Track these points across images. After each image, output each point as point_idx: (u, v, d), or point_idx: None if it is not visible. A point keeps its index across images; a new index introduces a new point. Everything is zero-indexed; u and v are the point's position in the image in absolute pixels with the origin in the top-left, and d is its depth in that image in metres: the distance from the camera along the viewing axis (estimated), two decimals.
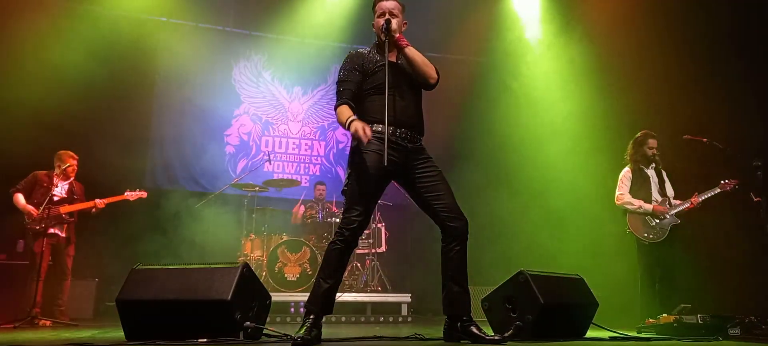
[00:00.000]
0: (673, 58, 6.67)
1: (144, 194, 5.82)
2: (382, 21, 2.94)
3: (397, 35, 2.91)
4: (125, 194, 5.72)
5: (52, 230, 5.31)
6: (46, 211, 5.22)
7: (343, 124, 2.84)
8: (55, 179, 5.48)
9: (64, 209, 5.42)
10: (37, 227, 5.23)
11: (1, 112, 6.23)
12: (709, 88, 6.25)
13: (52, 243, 5.33)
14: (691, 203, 4.64)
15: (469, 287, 2.90)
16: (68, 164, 5.50)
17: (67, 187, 5.55)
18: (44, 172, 5.46)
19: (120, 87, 7.21)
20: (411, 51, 2.91)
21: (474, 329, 2.80)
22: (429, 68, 2.93)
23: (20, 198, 5.32)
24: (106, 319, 5.93)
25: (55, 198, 5.42)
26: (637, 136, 4.99)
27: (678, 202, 4.76)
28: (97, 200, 5.53)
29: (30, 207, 5.28)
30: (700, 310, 3.95)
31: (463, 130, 7.99)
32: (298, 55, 8.52)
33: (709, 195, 4.64)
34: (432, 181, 2.89)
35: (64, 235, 5.42)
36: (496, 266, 6.04)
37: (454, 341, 2.79)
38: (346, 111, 2.86)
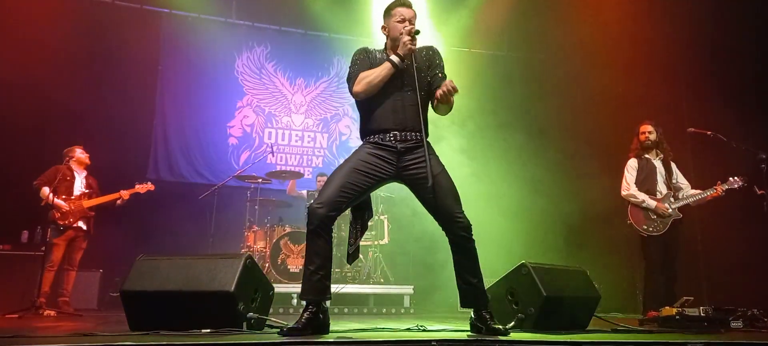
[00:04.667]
0: (678, 53, 6.66)
1: (151, 187, 5.92)
2: (400, 27, 2.88)
3: (451, 85, 2.75)
4: (136, 187, 5.80)
5: (75, 224, 5.40)
6: (75, 205, 5.37)
7: (383, 75, 2.80)
8: (75, 172, 5.55)
9: (88, 203, 5.50)
10: (67, 222, 5.30)
11: (3, 107, 6.25)
12: (714, 83, 6.24)
13: (71, 236, 5.41)
14: (717, 191, 4.58)
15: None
16: (80, 156, 5.58)
17: (85, 181, 5.62)
18: (64, 166, 5.47)
19: (122, 79, 7.22)
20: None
21: (478, 323, 2.81)
22: (450, 110, 2.93)
23: (47, 191, 5.33)
24: (111, 309, 5.97)
25: (77, 192, 5.52)
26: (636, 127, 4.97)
27: (697, 191, 4.69)
28: (123, 192, 5.64)
29: (60, 202, 5.32)
30: (702, 302, 3.95)
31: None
32: (301, 46, 8.51)
33: (726, 188, 4.59)
34: (427, 185, 2.78)
35: (84, 228, 5.50)
36: (499, 258, 6.06)
37: (477, 333, 2.78)
38: (368, 72, 2.84)
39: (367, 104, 2.92)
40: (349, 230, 3.00)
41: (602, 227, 6.43)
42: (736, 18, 6.08)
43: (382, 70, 2.83)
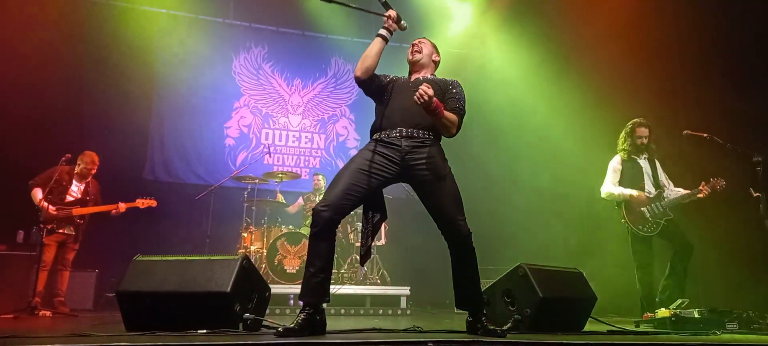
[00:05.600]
0: (675, 55, 6.68)
1: (153, 203, 5.78)
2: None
3: (436, 104, 2.75)
4: (136, 201, 5.69)
5: (61, 230, 5.35)
6: (62, 211, 5.30)
7: (372, 45, 2.95)
8: (74, 178, 5.50)
9: (77, 211, 5.42)
10: (49, 226, 5.26)
11: (0, 106, 6.23)
12: (710, 85, 6.26)
13: (61, 239, 5.37)
14: (702, 192, 4.58)
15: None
16: (89, 163, 5.52)
17: (82, 187, 5.57)
18: (66, 168, 5.43)
19: (119, 79, 7.21)
20: (446, 115, 2.83)
21: (474, 324, 2.83)
22: (450, 129, 2.89)
23: (38, 194, 5.29)
24: (106, 310, 5.95)
25: (70, 198, 5.45)
26: (627, 125, 4.89)
27: (681, 190, 4.68)
28: (120, 204, 5.54)
29: (46, 204, 5.28)
30: (698, 304, 3.96)
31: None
32: (298, 47, 8.52)
33: (709, 190, 4.60)
34: (430, 187, 2.82)
35: (72, 233, 5.44)
36: (496, 259, 6.07)
37: (474, 334, 2.79)
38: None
39: (379, 105, 2.98)
40: (362, 230, 3.02)
41: (603, 226, 6.42)
42: (733, 19, 6.11)
43: (372, 44, 2.95)
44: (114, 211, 5.56)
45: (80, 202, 5.50)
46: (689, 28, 6.54)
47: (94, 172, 5.63)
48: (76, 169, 5.53)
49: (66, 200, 5.42)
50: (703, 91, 6.34)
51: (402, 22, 3.03)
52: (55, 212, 5.28)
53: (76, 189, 5.53)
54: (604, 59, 7.06)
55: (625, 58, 6.89)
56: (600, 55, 7.12)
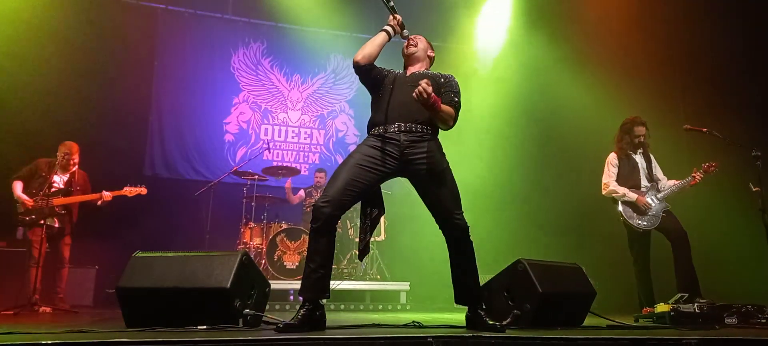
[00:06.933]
0: (676, 53, 6.68)
1: (143, 191, 5.66)
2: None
3: (434, 99, 2.72)
4: (124, 189, 5.54)
5: (43, 222, 5.19)
6: (40, 202, 5.14)
7: (375, 37, 3.00)
8: (55, 168, 5.40)
9: (58, 201, 5.28)
10: (28, 218, 5.18)
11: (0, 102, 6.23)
12: (709, 81, 6.27)
13: (46, 233, 5.30)
14: (694, 179, 4.58)
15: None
16: (65, 154, 5.38)
17: (66, 178, 5.46)
18: (47, 160, 5.37)
19: (118, 75, 7.19)
20: (443, 108, 2.81)
21: (473, 319, 2.85)
22: (448, 122, 2.88)
23: (17, 187, 5.26)
24: (106, 306, 5.95)
25: (52, 189, 5.33)
26: (624, 122, 4.88)
27: (674, 182, 4.69)
28: (104, 193, 5.39)
29: (24, 197, 5.22)
30: (697, 299, 3.96)
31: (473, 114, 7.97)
32: (297, 43, 8.48)
33: (701, 175, 4.60)
34: (429, 181, 2.84)
35: (57, 225, 5.33)
36: (495, 255, 6.07)
37: (473, 329, 2.80)
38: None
39: (375, 100, 2.99)
40: (359, 225, 3.03)
41: (602, 223, 6.45)
42: (730, 17, 6.12)
43: (376, 36, 3.00)
44: (99, 201, 5.40)
45: (63, 192, 5.38)
46: (689, 23, 6.54)
47: (75, 160, 5.49)
48: (56, 161, 5.39)
49: (45, 192, 5.26)
50: (703, 86, 6.35)
51: (405, 30, 3.09)
52: (33, 204, 5.19)
53: (58, 180, 5.41)
54: (604, 57, 7.06)
55: (626, 54, 6.90)
56: (601, 53, 7.12)
